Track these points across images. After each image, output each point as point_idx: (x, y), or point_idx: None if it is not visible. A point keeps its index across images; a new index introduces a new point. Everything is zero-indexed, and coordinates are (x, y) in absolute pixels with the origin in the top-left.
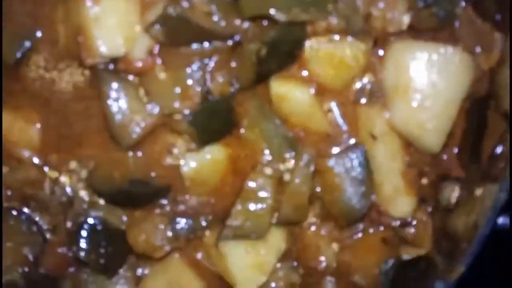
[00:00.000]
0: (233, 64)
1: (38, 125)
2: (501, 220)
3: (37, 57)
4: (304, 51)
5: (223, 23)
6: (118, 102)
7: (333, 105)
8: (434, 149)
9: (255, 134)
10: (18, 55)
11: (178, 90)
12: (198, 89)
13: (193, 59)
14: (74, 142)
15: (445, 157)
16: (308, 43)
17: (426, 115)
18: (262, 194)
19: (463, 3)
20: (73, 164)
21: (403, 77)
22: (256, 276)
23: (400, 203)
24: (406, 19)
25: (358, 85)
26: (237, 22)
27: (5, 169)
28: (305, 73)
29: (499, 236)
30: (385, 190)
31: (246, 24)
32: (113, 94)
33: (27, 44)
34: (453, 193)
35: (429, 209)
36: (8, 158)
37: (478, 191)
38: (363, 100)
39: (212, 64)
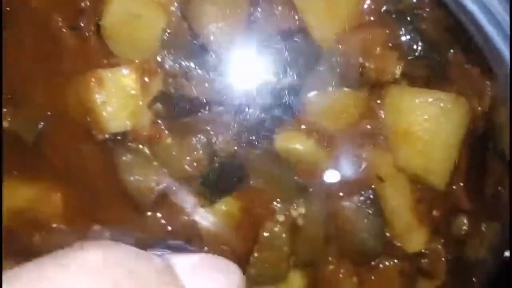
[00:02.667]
0: (235, 125)
1: (59, 194)
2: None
3: (53, 136)
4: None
5: (221, 94)
6: (131, 170)
7: (338, 149)
8: (439, 187)
9: (265, 184)
10: (33, 137)
11: (185, 155)
12: (205, 152)
13: (196, 125)
14: (95, 206)
15: (453, 189)
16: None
17: (427, 157)
18: (278, 241)
19: (452, 51)
20: (97, 227)
21: (401, 122)
22: None
23: (413, 237)
24: (398, 70)
25: (359, 129)
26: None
27: (37, 237)
28: (305, 125)
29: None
30: (397, 226)
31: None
32: (126, 164)
33: (41, 125)
34: (463, 225)
35: (442, 240)
36: (36, 226)
37: (484, 226)
38: (367, 143)
39: (215, 127)
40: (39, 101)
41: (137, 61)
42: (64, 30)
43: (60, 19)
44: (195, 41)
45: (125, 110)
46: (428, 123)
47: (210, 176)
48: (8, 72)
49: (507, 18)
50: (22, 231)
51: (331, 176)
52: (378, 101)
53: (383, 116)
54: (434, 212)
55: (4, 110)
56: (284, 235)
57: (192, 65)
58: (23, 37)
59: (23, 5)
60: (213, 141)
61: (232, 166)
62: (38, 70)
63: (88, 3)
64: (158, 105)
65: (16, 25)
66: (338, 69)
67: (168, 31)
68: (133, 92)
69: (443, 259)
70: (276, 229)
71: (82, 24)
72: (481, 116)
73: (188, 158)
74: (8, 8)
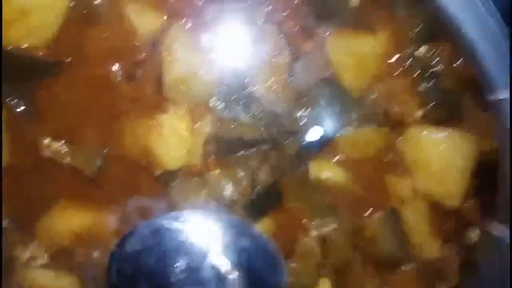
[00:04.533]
0: (274, 160)
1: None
2: None
3: (110, 171)
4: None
5: (264, 134)
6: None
7: (364, 176)
8: (454, 206)
9: (299, 205)
10: (92, 172)
11: (231, 185)
12: (248, 182)
13: (242, 160)
14: None
15: (466, 206)
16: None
17: (442, 182)
18: (311, 254)
19: (464, 97)
20: None
21: (420, 154)
22: None
23: (429, 246)
24: (418, 113)
25: (382, 160)
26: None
27: (96, 253)
28: (336, 156)
29: None
30: (416, 237)
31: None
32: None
33: (99, 162)
34: (475, 234)
35: (455, 248)
36: (95, 245)
37: (496, 233)
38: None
39: (258, 161)
40: (96, 141)
41: (191, 106)
42: (120, 79)
43: (117, 69)
44: (244, 91)
45: (180, 149)
46: (443, 156)
47: (251, 202)
48: (65, 114)
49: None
50: (82, 249)
51: (357, 198)
52: (400, 137)
53: (403, 149)
54: (448, 225)
55: (65, 148)
56: (317, 248)
57: (240, 110)
58: (79, 82)
59: (80, 53)
60: (256, 173)
61: (270, 192)
62: (95, 114)
63: (144, 55)
64: (210, 145)
65: (71, 71)
66: (366, 111)
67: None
68: (187, 134)
69: (455, 264)
70: (310, 243)
71: (138, 75)
72: (490, 151)
73: (233, 187)
74: (68, 60)
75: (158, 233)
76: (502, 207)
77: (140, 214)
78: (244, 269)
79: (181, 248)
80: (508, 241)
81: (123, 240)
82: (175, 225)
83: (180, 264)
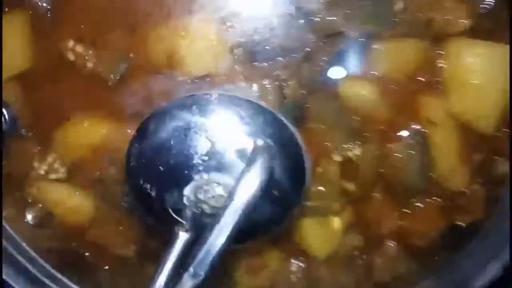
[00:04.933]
0: (305, 71)
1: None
2: None
3: (134, 77)
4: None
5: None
6: None
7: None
8: (487, 132)
9: (323, 126)
10: (117, 76)
11: (258, 98)
12: (275, 94)
13: (271, 70)
14: None
15: (497, 135)
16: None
17: (480, 103)
18: (330, 180)
19: None
20: None
21: (460, 71)
22: (327, 245)
23: (455, 177)
24: (466, 24)
25: (417, 77)
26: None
27: None
28: (368, 72)
29: None
30: (442, 167)
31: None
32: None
33: (123, 66)
34: (504, 167)
35: (481, 180)
36: None
37: None
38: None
39: (287, 72)
40: (121, 44)
41: (221, 7)
42: None
43: None
44: None
45: (207, 55)
46: (486, 72)
47: None
48: (91, 16)
49: None
50: (98, 163)
51: (386, 120)
52: (440, 52)
53: (442, 66)
54: (477, 155)
55: (89, 51)
56: (337, 173)
57: (273, 13)
58: None
59: None
60: (284, 84)
61: (295, 109)
62: (120, 16)
63: None
64: (239, 50)
65: None
66: (406, 20)
67: None
68: (216, 37)
69: (481, 197)
70: (331, 167)
71: None
72: None
73: (259, 99)
74: None
75: (182, 112)
76: None
77: None
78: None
79: (205, 129)
80: None
81: (143, 123)
82: (201, 104)
83: (204, 146)
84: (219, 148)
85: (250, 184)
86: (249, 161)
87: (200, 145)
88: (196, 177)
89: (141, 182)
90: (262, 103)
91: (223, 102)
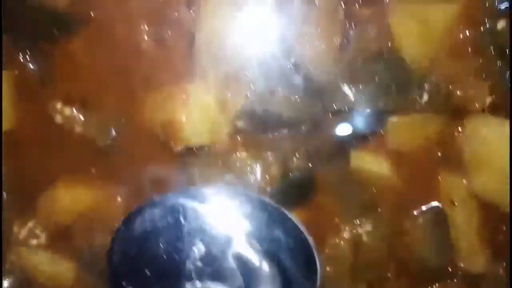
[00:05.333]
0: (313, 144)
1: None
2: None
3: (125, 143)
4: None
5: (302, 112)
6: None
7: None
8: (509, 213)
9: (332, 200)
10: (105, 142)
11: (259, 170)
12: (280, 168)
13: (275, 142)
14: None
15: None
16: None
17: (503, 186)
18: (340, 259)
19: None
20: None
21: (482, 150)
22: None
23: (475, 259)
24: (487, 101)
25: (435, 154)
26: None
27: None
28: (383, 147)
29: None
30: (462, 248)
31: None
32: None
33: (114, 132)
34: None
35: (504, 264)
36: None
37: None
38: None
39: (294, 144)
40: (113, 107)
41: (221, 74)
42: (147, 40)
43: (145, 29)
44: (285, 60)
45: (206, 124)
46: (507, 151)
47: (279, 192)
48: (82, 77)
49: None
50: (84, 229)
51: (401, 196)
52: (459, 128)
53: (462, 143)
54: (500, 237)
55: (78, 114)
56: (347, 252)
57: (278, 82)
58: (101, 43)
59: (106, 7)
60: (290, 157)
61: (302, 182)
62: (115, 78)
63: (176, 14)
64: (240, 121)
65: (93, 28)
66: (425, 94)
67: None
68: (214, 107)
69: (504, 283)
70: (340, 245)
71: (168, 36)
72: None
73: (261, 173)
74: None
75: (173, 211)
76: None
77: (151, 194)
78: (275, 263)
79: (199, 231)
80: None
81: (131, 217)
82: (194, 203)
83: (197, 250)
84: (214, 253)
85: None
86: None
87: (194, 249)
88: (188, 285)
89: (124, 284)
90: (265, 199)
91: (220, 197)
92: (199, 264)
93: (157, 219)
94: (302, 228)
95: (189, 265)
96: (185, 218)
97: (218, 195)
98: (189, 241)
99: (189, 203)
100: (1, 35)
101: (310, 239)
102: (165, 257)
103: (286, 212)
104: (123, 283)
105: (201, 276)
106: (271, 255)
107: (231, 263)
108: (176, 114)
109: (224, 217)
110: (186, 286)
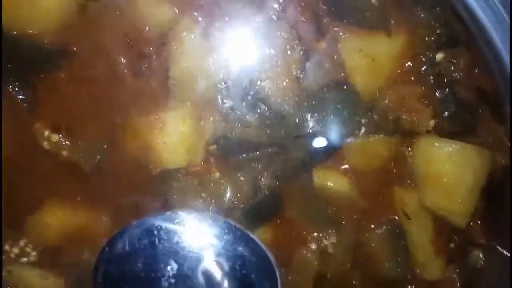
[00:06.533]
0: (279, 164)
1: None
2: None
3: (109, 167)
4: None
5: (268, 137)
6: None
7: (369, 188)
8: (459, 225)
9: (300, 215)
10: (91, 167)
11: (232, 189)
12: (251, 187)
13: (245, 164)
14: None
15: (471, 226)
16: (346, 142)
17: (451, 200)
18: (308, 267)
19: (480, 110)
20: None
21: (430, 168)
22: None
23: (431, 266)
24: (431, 124)
25: (389, 171)
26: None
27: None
28: (341, 165)
29: None
30: (418, 256)
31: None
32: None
33: (98, 157)
34: (478, 258)
35: (457, 270)
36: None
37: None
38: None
39: (262, 165)
40: (97, 134)
41: (195, 104)
42: (126, 72)
43: (123, 63)
44: (251, 90)
45: (182, 149)
46: (454, 170)
47: (250, 208)
48: (67, 106)
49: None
50: (72, 249)
51: (362, 210)
52: (409, 148)
53: (412, 161)
54: (452, 245)
55: (64, 141)
56: (315, 262)
57: (247, 110)
58: (83, 75)
59: (87, 42)
60: (259, 177)
61: (271, 199)
62: (97, 107)
63: (152, 48)
64: (213, 146)
65: (76, 62)
66: (376, 118)
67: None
68: (189, 133)
69: (456, 286)
70: (308, 256)
71: (145, 69)
72: (501, 168)
73: (234, 192)
74: (73, 49)
75: (149, 233)
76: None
77: (134, 214)
78: (238, 278)
79: (173, 252)
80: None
81: (112, 240)
82: (168, 226)
83: (171, 268)
84: (186, 270)
85: None
86: None
87: (167, 267)
88: None
89: None
90: (232, 222)
91: (191, 221)
92: (172, 281)
93: (136, 240)
94: (264, 246)
95: (164, 282)
96: (159, 239)
97: (190, 218)
98: (164, 260)
99: (164, 225)
100: (1, 36)
101: (271, 256)
102: (143, 275)
103: (249, 233)
104: None
105: None
106: (236, 271)
107: (201, 279)
108: (154, 141)
109: (195, 238)
110: None
